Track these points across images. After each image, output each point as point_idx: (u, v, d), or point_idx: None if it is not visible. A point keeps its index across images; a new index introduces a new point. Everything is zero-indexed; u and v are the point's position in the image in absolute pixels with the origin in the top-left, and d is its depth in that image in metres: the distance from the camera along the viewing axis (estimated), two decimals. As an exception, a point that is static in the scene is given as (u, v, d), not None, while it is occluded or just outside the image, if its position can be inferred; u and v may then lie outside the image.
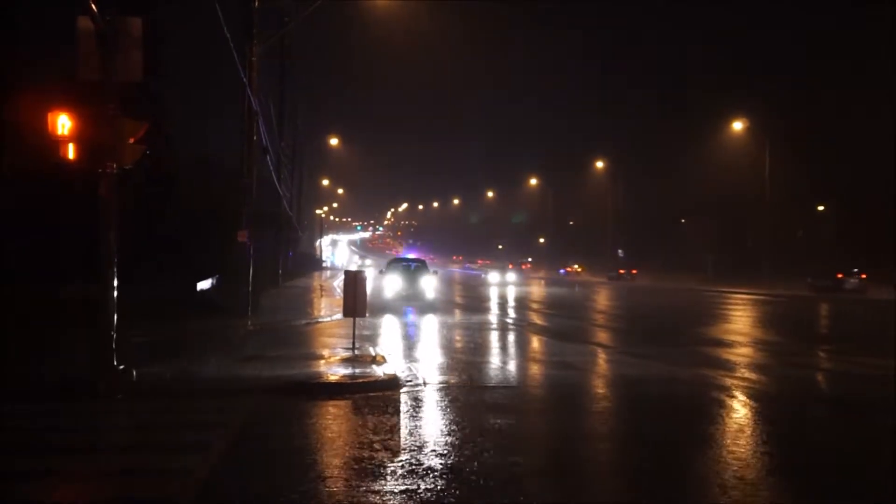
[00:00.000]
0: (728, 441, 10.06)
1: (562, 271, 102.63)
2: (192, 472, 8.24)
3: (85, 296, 14.49)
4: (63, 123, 12.57)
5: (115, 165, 12.90)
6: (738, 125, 65.60)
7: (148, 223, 19.96)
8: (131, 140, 13.01)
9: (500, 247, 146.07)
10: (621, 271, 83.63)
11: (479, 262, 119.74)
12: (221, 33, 19.38)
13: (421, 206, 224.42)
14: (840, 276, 54.21)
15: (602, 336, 24.65)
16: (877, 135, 59.72)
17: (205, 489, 7.77)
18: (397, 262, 40.40)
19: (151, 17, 13.15)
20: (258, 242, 27.26)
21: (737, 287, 58.37)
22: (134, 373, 13.17)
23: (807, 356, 19.62)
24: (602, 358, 18.82)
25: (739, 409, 12.20)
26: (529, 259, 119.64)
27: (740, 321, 30.83)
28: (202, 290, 25.85)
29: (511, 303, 41.86)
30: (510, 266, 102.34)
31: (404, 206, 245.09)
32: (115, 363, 12.98)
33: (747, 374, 15.67)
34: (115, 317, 12.94)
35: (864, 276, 54.33)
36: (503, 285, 67.56)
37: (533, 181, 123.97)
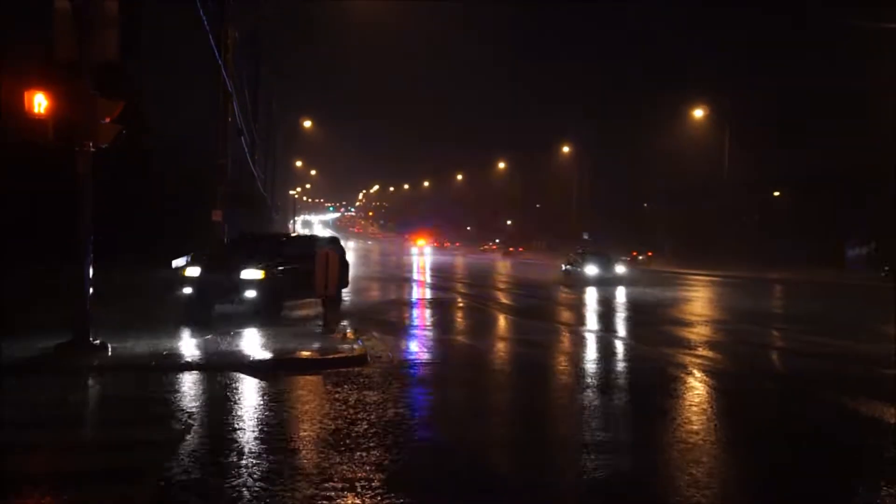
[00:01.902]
0: (686, 414, 10.19)
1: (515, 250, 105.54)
2: (164, 445, 8.23)
3: (60, 272, 14.38)
4: (40, 102, 12.45)
5: (91, 144, 12.79)
6: (698, 112, 66.00)
7: (124, 201, 19.80)
8: (107, 119, 12.91)
9: (468, 228, 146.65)
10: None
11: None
12: (197, 14, 19.20)
13: (392, 188, 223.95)
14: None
15: (561, 314, 24.83)
16: (829, 125, 60.39)
17: (177, 461, 7.76)
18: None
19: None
20: (232, 222, 27.09)
21: (693, 269, 58.83)
22: (109, 347, 13.11)
23: (757, 334, 19.86)
24: (565, 336, 18.96)
25: (697, 385, 12.34)
26: (497, 240, 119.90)
27: (684, 300, 31.11)
28: (177, 268, 25.68)
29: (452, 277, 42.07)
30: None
31: (375, 187, 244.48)
32: (91, 338, 12.93)
33: (700, 351, 15.84)
34: (91, 293, 12.87)
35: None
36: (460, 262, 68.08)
37: (501, 165, 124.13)
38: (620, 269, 42.59)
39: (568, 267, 44.59)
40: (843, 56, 58.97)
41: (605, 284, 38.58)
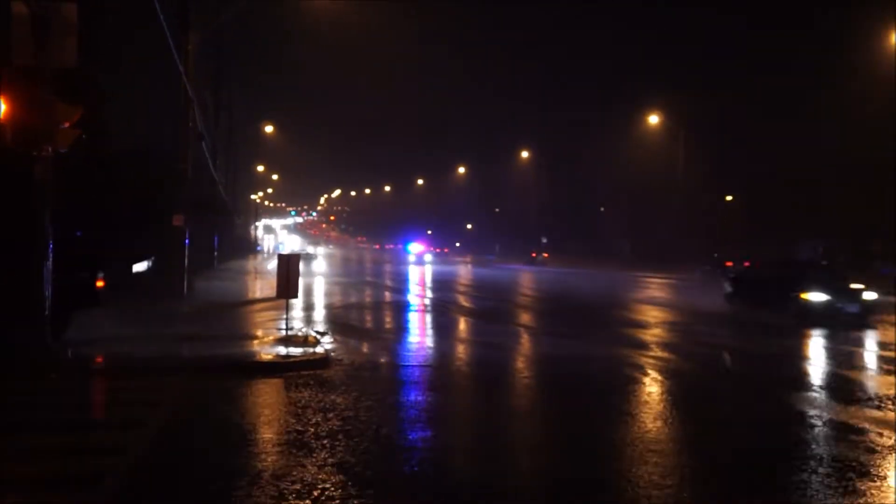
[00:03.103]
0: (641, 413, 10.28)
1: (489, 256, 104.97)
2: (124, 450, 8.12)
3: (20, 275, 14.13)
4: (-2, 107, 12.25)
5: (49, 149, 12.62)
6: (654, 118, 66.70)
7: (83, 206, 19.52)
8: (66, 124, 12.74)
9: (428, 231, 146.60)
10: (533, 255, 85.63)
11: (438, 250, 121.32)
12: (158, 21, 19.01)
13: (353, 193, 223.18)
14: (729, 262, 57.50)
15: (525, 316, 24.93)
16: (779, 131, 61.40)
17: (137, 466, 7.67)
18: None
19: (87, 3, 12.87)
20: (194, 226, 26.89)
21: (649, 271, 59.37)
22: (69, 351, 12.94)
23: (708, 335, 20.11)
24: (524, 338, 19.06)
25: (651, 385, 12.46)
26: (458, 244, 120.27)
27: (638, 301, 31.40)
28: (138, 273, 25.41)
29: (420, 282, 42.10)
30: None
31: (337, 192, 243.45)
32: (49, 341, 12.74)
33: (654, 352, 15.99)
34: (49, 296, 12.69)
35: (728, 263, 58.22)
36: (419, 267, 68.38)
37: (461, 170, 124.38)
38: (868, 295, 23.43)
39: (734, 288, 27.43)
40: (794, 63, 59.95)
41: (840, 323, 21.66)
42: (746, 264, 49.57)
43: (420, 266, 70.98)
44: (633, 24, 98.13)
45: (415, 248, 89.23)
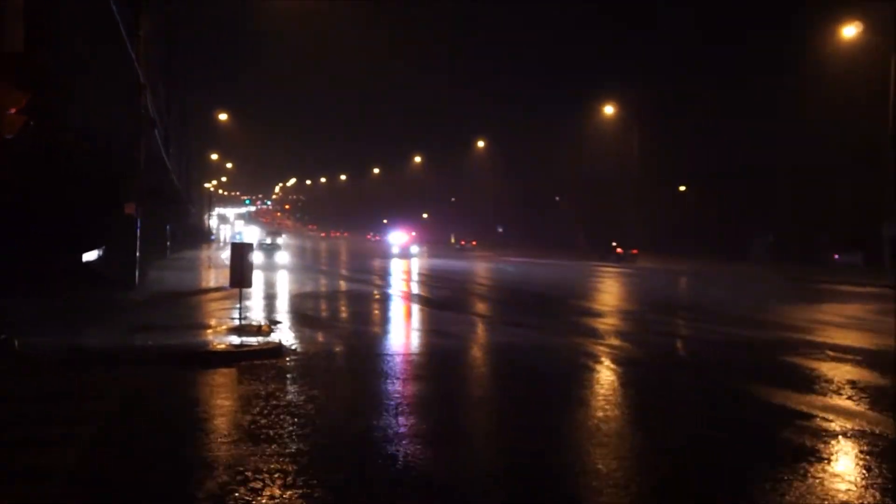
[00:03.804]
0: (596, 400, 10.37)
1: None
2: (74, 442, 8.00)
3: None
4: (-59, 91, 11.98)
5: (-5, 135, 12.37)
6: (609, 109, 67.19)
7: (32, 194, 19.16)
8: (13, 110, 12.50)
9: (384, 221, 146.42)
10: (462, 242, 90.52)
11: (368, 236, 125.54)
12: (108, 6, 18.66)
13: (309, 182, 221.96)
14: (620, 251, 62.52)
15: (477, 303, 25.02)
16: (737, 128, 62.29)
17: (88, 458, 7.56)
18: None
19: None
20: (146, 215, 26.55)
21: (601, 261, 59.91)
22: (16, 342, 12.69)
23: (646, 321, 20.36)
24: (478, 326, 19.12)
25: (605, 373, 12.57)
26: (413, 234, 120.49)
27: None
28: (88, 262, 25.02)
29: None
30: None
31: (293, 181, 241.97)
32: (-4, 332, 12.50)
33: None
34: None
35: (634, 251, 62.04)
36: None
37: (417, 159, 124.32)
38: None
39: None
40: (750, 59, 60.76)
41: None
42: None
43: (405, 260, 61.44)
44: (591, 17, 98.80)
45: (398, 238, 72.46)
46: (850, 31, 40.72)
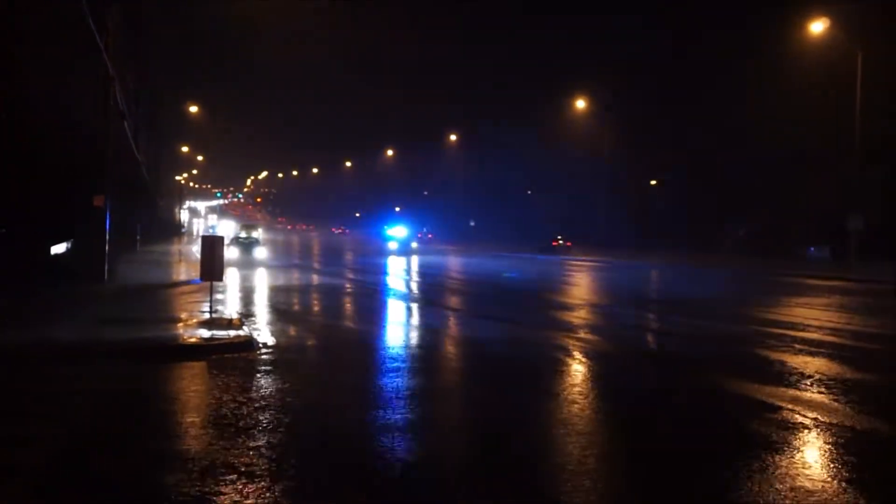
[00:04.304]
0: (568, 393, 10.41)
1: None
2: (44, 439, 7.92)
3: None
4: None
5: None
6: (580, 104, 67.38)
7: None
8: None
9: (357, 214, 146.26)
10: (419, 235, 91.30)
11: (334, 229, 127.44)
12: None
13: (280, 175, 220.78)
14: (554, 243, 66.44)
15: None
16: (703, 121, 62.81)
17: (56, 454, 7.49)
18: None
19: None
20: (115, 207, 26.29)
21: (580, 255, 60.19)
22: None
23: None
24: (450, 318, 19.14)
25: (575, 365, 12.63)
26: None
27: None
28: (56, 255, 24.75)
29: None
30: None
31: (264, 174, 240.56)
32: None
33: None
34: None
35: (569, 243, 65.69)
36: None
37: (390, 153, 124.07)
38: None
39: None
40: (721, 54, 61.15)
41: None
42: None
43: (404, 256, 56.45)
44: (563, 10, 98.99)
45: (397, 231, 66.40)
46: (817, 27, 41.11)
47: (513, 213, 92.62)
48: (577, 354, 13.49)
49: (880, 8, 43.49)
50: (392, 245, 64.00)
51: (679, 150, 66.00)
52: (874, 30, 41.95)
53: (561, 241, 66.78)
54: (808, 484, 6.80)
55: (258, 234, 50.75)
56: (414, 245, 65.03)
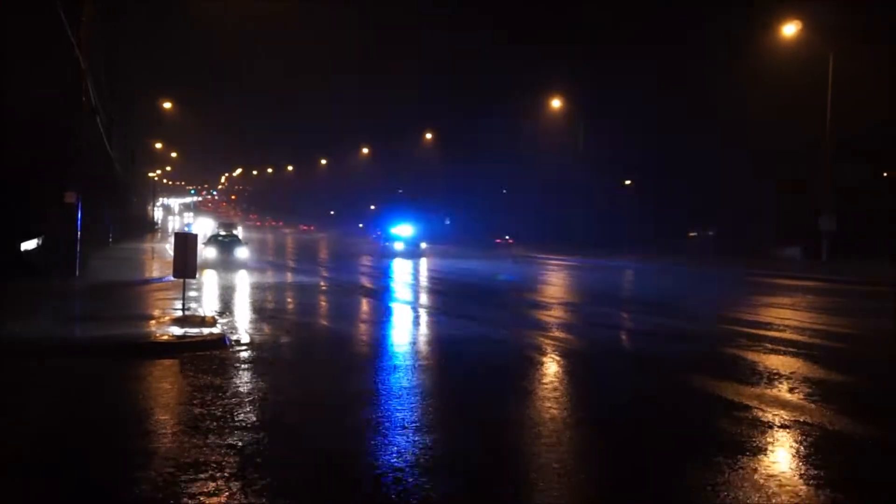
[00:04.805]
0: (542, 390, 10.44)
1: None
2: (10, 436, 7.84)
3: None
4: None
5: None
6: (556, 103, 67.55)
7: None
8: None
9: (331, 213, 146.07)
10: (378, 233, 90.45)
11: (304, 226, 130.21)
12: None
13: (255, 172, 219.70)
14: (498, 241, 68.29)
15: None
16: (674, 121, 63.22)
17: (24, 451, 7.41)
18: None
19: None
20: (87, 204, 26.03)
21: (551, 254, 60.32)
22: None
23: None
24: (412, 313, 19.13)
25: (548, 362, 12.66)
26: (360, 225, 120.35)
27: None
28: (27, 251, 24.49)
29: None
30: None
31: (239, 171, 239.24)
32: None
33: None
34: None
35: (510, 240, 66.98)
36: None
37: (365, 150, 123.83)
38: None
39: None
40: (693, 54, 61.43)
41: None
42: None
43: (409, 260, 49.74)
44: (533, 10, 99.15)
45: (404, 230, 56.10)
46: (790, 28, 41.50)
47: (488, 211, 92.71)
48: (551, 353, 13.54)
49: (851, 9, 43.93)
50: (398, 246, 54.10)
51: (650, 149, 66.31)
52: (845, 31, 42.38)
53: (504, 240, 67.26)
54: (777, 481, 6.85)
55: (238, 232, 45.89)
56: (423, 246, 54.55)
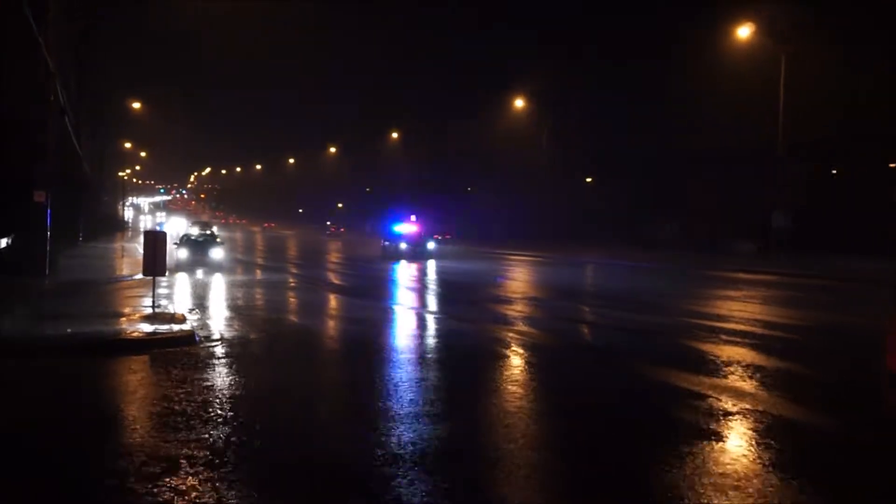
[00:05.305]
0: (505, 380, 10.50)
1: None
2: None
3: None
4: None
5: None
6: (519, 102, 67.74)
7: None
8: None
9: (300, 211, 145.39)
10: (333, 229, 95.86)
11: (266, 224, 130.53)
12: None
13: (224, 171, 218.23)
14: (436, 236, 62.75)
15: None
16: (636, 121, 63.69)
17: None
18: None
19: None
20: (57, 203, 25.70)
21: (512, 249, 60.46)
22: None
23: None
24: (384, 312, 19.14)
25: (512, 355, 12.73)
26: (328, 223, 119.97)
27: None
28: (-3, 250, 24.11)
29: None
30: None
31: (207, 170, 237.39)
32: None
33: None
34: None
35: (448, 235, 66.21)
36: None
37: (332, 150, 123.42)
38: None
39: None
40: (654, 55, 61.84)
41: None
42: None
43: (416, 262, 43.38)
44: (499, 7, 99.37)
45: (407, 228, 48.77)
46: (744, 31, 41.97)
47: (454, 209, 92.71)
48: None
49: (804, 12, 44.50)
50: (403, 246, 46.79)
51: (610, 148, 66.74)
52: (798, 33, 42.92)
53: (441, 237, 65.78)
54: (732, 467, 6.96)
55: (214, 231, 41.18)
56: (431, 246, 48.65)
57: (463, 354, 13.04)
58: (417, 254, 46.16)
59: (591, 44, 69.06)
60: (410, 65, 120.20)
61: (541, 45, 77.90)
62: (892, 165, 46.53)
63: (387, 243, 48.35)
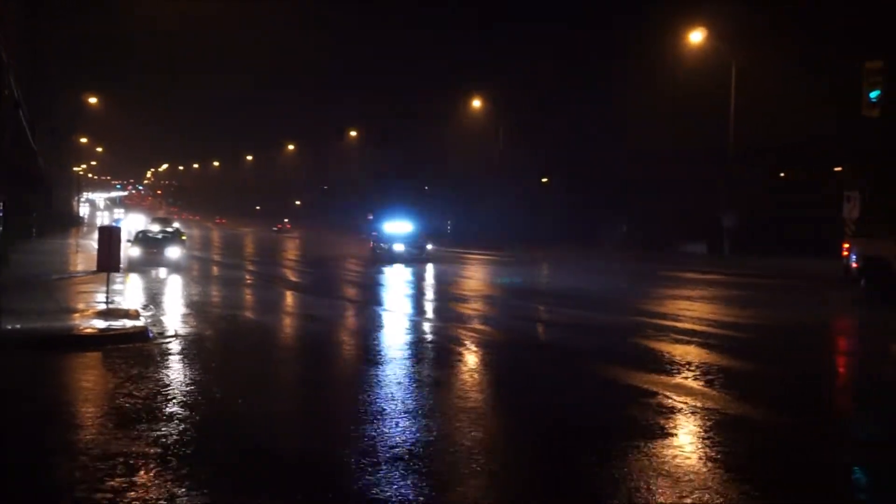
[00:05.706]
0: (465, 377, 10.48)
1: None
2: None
3: None
4: None
5: None
6: (476, 103, 67.85)
7: None
8: None
9: (257, 208, 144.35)
10: (279, 226, 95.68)
11: (218, 220, 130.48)
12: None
13: (181, 168, 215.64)
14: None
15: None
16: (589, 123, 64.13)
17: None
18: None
19: None
20: (9, 199, 25.14)
21: (472, 249, 60.55)
22: None
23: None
24: (347, 309, 19.03)
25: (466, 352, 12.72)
26: (286, 220, 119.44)
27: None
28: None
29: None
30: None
31: (165, 166, 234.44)
32: None
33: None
34: None
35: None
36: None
37: (290, 147, 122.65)
38: None
39: None
40: (606, 55, 62.25)
41: None
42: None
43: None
44: (455, 9, 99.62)
45: (400, 227, 43.34)
46: (696, 36, 42.42)
47: (414, 208, 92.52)
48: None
49: (757, 18, 45.12)
50: (398, 247, 41.50)
51: (564, 149, 67.07)
52: (750, 38, 43.50)
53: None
54: (681, 463, 7.00)
55: (177, 227, 39.53)
56: (429, 247, 43.79)
57: (419, 352, 13.01)
58: (415, 258, 41.14)
59: (546, 44, 69.23)
60: (368, 63, 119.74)
61: (497, 43, 78.05)
62: (836, 169, 47.36)
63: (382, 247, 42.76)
